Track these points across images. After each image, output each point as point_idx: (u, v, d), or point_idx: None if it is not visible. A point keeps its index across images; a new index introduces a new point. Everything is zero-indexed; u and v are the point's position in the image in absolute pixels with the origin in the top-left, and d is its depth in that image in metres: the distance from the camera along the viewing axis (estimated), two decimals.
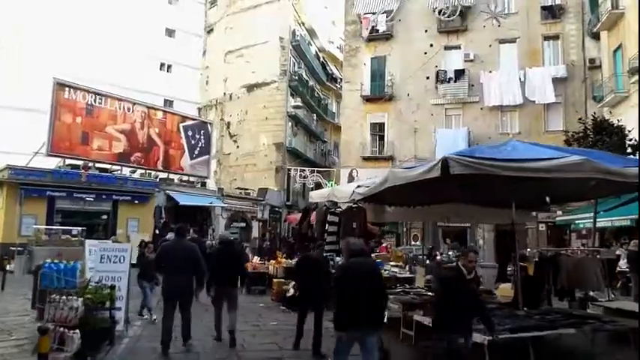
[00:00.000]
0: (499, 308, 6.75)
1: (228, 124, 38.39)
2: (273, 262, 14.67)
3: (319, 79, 42.98)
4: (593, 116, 15.81)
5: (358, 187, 7.36)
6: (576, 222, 17.23)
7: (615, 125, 13.05)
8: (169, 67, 39.46)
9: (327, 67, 45.28)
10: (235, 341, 7.44)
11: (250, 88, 37.41)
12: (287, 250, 19.58)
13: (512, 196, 6.47)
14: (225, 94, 39.16)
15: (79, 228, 17.36)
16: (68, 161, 20.15)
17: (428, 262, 14.32)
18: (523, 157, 5.41)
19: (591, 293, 9.40)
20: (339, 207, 8.37)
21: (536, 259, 8.94)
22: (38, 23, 28.51)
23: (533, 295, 7.42)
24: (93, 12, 32.24)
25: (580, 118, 16.40)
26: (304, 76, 38.89)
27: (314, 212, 9.35)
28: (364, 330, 4.72)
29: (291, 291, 8.64)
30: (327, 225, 8.17)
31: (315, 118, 42.28)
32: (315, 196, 9.37)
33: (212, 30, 42.37)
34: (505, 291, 8.88)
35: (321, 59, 44.17)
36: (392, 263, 12.91)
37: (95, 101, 20.67)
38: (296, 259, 15.47)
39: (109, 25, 33.17)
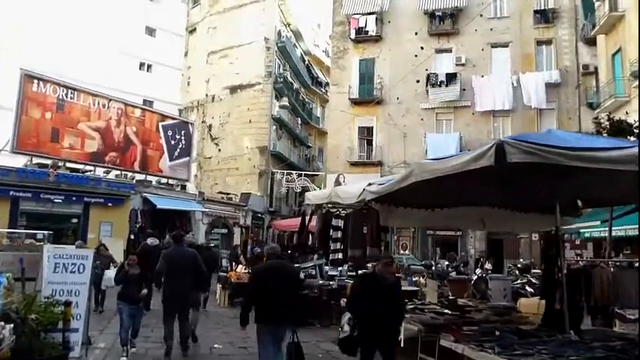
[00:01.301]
0: (540, 330, 5.64)
1: (210, 127, 37.03)
2: None
3: (304, 82, 41.90)
4: (609, 116, 15.00)
5: (369, 184, 6.20)
6: (581, 231, 16.26)
7: (635, 125, 12.22)
8: (149, 66, 37.76)
9: (313, 71, 44.28)
10: (188, 348, 7.31)
11: (233, 89, 36.14)
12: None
13: (557, 196, 5.38)
14: (207, 95, 37.83)
15: (45, 232, 15.83)
16: (36, 160, 18.57)
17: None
18: (587, 146, 4.31)
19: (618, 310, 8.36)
20: (344, 209, 7.22)
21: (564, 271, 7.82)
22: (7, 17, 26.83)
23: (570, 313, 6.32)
24: (67, 7, 30.63)
25: (595, 118, 15.60)
26: (289, 78, 37.77)
27: (312, 217, 8.18)
28: (278, 324, 5.26)
29: (346, 328, 5.67)
30: (331, 231, 7.00)
31: (299, 122, 41.14)
32: (312, 197, 8.16)
33: (194, 30, 41.04)
34: (529, 307, 7.78)
35: (307, 62, 43.13)
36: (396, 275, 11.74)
37: (67, 96, 19.09)
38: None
39: (85, 22, 31.54)
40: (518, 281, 11.87)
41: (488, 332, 5.35)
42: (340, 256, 6.81)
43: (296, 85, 39.70)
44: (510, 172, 5.28)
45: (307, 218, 8.54)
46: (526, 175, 5.33)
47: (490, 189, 5.70)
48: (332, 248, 6.96)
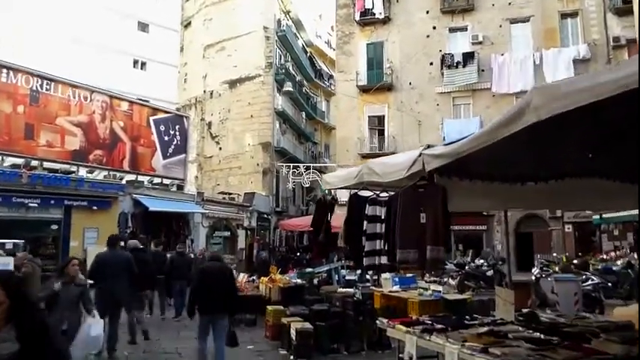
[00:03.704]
0: None
1: (209, 124, 34.84)
2: (265, 279, 11.13)
3: (307, 75, 39.63)
4: None
5: (428, 146, 3.96)
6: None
7: None
8: (143, 64, 35.72)
9: (316, 63, 41.99)
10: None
11: (232, 83, 33.94)
12: (281, 262, 16.06)
13: None
14: (205, 91, 35.65)
15: (18, 241, 13.69)
16: (10, 160, 16.36)
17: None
18: None
19: None
20: (384, 191, 4.97)
21: None
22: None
23: None
24: (53, 5, 28.88)
25: None
26: (291, 70, 35.48)
27: (333, 207, 5.93)
28: (215, 314, 6.36)
29: None
30: (364, 224, 4.74)
31: (304, 116, 38.89)
32: (334, 179, 5.88)
33: (189, 24, 38.89)
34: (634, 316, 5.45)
35: (309, 54, 40.86)
36: (429, 278, 9.48)
37: (42, 87, 16.79)
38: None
39: (73, 19, 29.75)
40: (589, 282, 9.52)
41: None
42: (382, 259, 4.55)
43: (298, 78, 37.42)
44: None
45: (327, 210, 6.25)
46: None
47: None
48: (367, 249, 4.70)
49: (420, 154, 3.95)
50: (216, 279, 6.33)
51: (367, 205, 4.85)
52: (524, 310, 6.59)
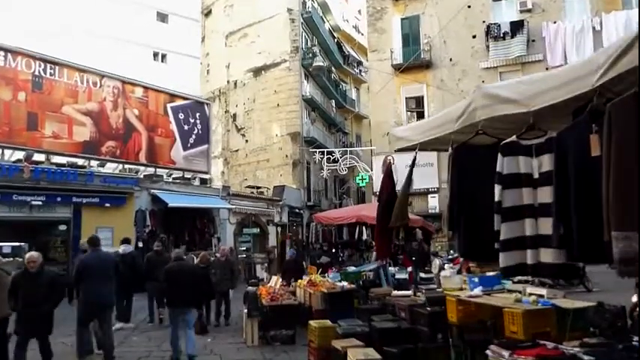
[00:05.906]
0: None
1: (234, 116, 32.96)
2: (303, 282, 8.99)
3: (335, 61, 37.33)
4: None
5: None
6: None
7: None
8: (164, 56, 34.28)
9: (344, 49, 39.63)
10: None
11: (257, 71, 31.98)
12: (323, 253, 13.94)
13: None
14: (228, 81, 33.79)
15: (21, 244, 12.07)
16: (16, 155, 14.63)
17: None
18: None
19: None
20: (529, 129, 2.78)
21: None
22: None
23: None
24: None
25: None
26: (319, 55, 33.24)
27: (412, 168, 3.75)
28: (183, 307, 7.13)
29: None
30: (495, 192, 2.51)
31: (333, 105, 36.62)
32: (407, 134, 3.69)
33: (210, 12, 37.11)
34: None
35: (336, 39, 38.55)
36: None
37: (45, 71, 14.94)
38: None
39: (94, 12, 28.54)
40: None
41: None
42: (544, 256, 2.32)
43: (326, 64, 35.14)
44: None
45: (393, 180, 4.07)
46: None
47: None
48: (506, 236, 2.48)
49: None
50: (181, 276, 7.14)
51: (500, 158, 2.62)
52: None
